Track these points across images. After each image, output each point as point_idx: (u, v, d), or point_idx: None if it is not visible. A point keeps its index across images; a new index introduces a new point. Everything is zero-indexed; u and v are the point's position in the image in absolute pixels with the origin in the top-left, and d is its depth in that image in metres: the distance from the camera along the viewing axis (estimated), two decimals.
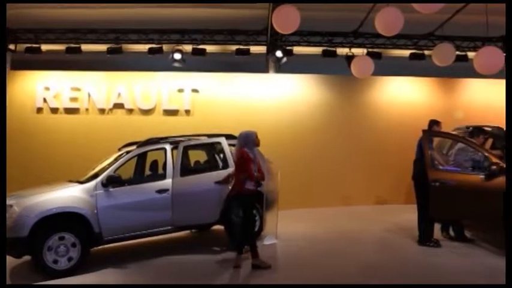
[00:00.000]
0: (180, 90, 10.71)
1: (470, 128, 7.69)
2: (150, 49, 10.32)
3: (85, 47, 10.43)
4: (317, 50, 10.73)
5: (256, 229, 6.60)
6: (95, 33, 10.40)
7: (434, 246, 6.72)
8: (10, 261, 5.67)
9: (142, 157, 7.21)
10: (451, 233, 7.30)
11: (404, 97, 11.36)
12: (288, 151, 10.01)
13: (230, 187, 6.33)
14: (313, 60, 10.92)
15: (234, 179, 6.06)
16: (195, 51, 10.37)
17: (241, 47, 10.47)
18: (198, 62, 10.60)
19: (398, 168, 8.64)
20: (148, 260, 6.35)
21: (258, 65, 10.85)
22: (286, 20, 7.29)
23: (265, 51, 10.67)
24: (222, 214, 6.62)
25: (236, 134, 7.77)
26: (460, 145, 6.85)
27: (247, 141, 5.95)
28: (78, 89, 10.63)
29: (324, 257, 6.46)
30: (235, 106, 10.67)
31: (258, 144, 6.06)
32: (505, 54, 8.33)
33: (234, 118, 10.18)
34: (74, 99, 10.63)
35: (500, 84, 11.13)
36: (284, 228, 7.47)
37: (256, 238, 6.38)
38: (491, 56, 8.14)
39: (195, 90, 10.74)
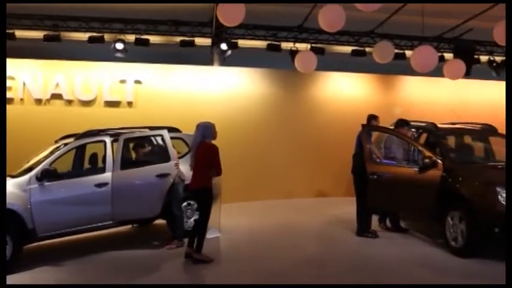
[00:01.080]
0: (122, 81, 10.40)
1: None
2: (90, 38, 9.90)
3: (20, 33, 9.86)
4: (262, 43, 10.75)
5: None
6: (31, 19, 9.84)
7: (371, 237, 6.96)
8: None
9: (80, 150, 6.98)
10: (388, 224, 7.61)
11: (345, 92, 11.66)
12: (231, 144, 9.95)
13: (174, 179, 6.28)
14: (257, 54, 10.94)
15: (195, 172, 5.87)
16: (138, 42, 10.08)
17: (186, 38, 10.30)
18: (141, 53, 10.31)
19: (339, 162, 8.87)
20: (89, 256, 6.16)
21: (202, 57, 10.72)
22: (230, 12, 7.28)
23: (210, 44, 10.56)
24: (164, 208, 6.53)
25: (179, 126, 7.74)
26: (389, 138, 7.14)
27: (207, 133, 5.84)
28: (12, 78, 10.01)
29: (266, 249, 6.54)
30: (179, 98, 10.51)
31: (215, 137, 5.95)
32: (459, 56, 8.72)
33: (177, 111, 10.03)
34: (7, 89, 10.05)
35: (435, 82, 11.75)
36: (227, 222, 7.50)
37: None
38: (427, 54, 8.53)
39: (137, 82, 10.46)
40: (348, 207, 7.91)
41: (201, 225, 5.85)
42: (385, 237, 7.07)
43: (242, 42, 10.68)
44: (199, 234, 5.82)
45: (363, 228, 7.04)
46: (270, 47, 10.62)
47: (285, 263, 5.86)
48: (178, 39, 10.34)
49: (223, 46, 10.12)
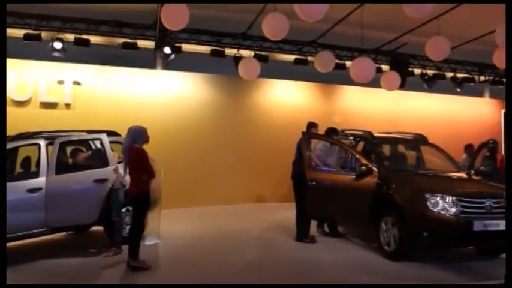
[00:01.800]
0: (60, 82, 9.99)
1: (344, 132, 8.31)
2: (26, 35, 9.47)
3: None
4: (206, 49, 10.75)
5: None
6: None
7: (310, 242, 7.12)
8: None
9: (12, 153, 6.64)
10: (326, 229, 7.81)
11: (287, 100, 11.89)
12: (172, 149, 9.89)
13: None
14: (201, 59, 10.92)
15: (131, 178, 5.76)
16: (78, 41, 9.75)
17: (128, 40, 10.11)
18: (80, 53, 9.98)
19: (280, 168, 8.99)
20: (22, 265, 5.86)
21: (145, 60, 10.56)
22: (174, 16, 7.25)
23: (153, 47, 10.42)
24: (101, 214, 6.35)
25: (119, 130, 7.55)
26: (319, 146, 7.37)
27: (137, 138, 5.73)
28: None
29: (206, 255, 6.52)
30: (120, 101, 10.26)
31: (147, 141, 5.86)
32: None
33: (117, 114, 9.78)
34: None
35: (373, 92, 12.25)
36: (166, 228, 7.40)
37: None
38: (365, 66, 8.89)
39: (76, 83, 10.10)
40: (287, 213, 8.05)
41: (134, 232, 5.75)
42: (323, 242, 7.25)
43: (186, 47, 10.61)
44: (131, 240, 5.71)
45: (302, 234, 7.18)
46: (214, 53, 10.62)
47: (225, 267, 5.88)
48: (120, 40, 10.12)
49: (167, 50, 10.02)
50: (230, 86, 11.31)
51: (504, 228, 5.23)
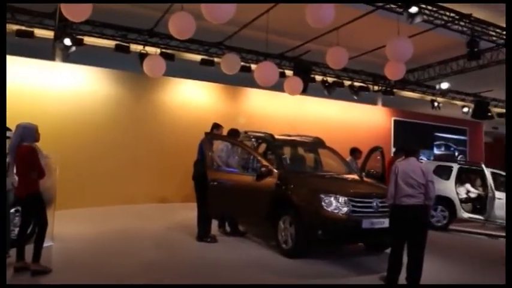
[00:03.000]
0: None
1: (247, 133, 8.50)
2: None
3: None
4: (110, 43, 10.39)
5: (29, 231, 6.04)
6: None
7: (211, 242, 7.16)
8: None
9: None
10: (227, 228, 7.93)
11: (193, 100, 11.89)
12: (69, 146, 9.41)
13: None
14: (105, 54, 10.53)
15: (19, 178, 5.33)
16: None
17: (24, 28, 9.45)
18: None
19: (182, 168, 8.96)
20: None
21: (42, 51, 9.92)
22: (76, 6, 6.89)
23: (52, 37, 9.81)
24: None
25: (10, 124, 7.02)
26: (220, 146, 7.51)
27: (26, 136, 5.34)
28: None
29: (104, 256, 6.29)
30: (13, 94, 9.44)
31: (37, 140, 5.49)
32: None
33: (10, 107, 9.02)
34: None
35: (276, 96, 12.66)
36: (62, 230, 7.03)
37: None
38: (269, 70, 9.18)
39: None
40: (189, 213, 8.04)
41: (39, 233, 5.40)
42: (224, 241, 7.35)
43: (88, 40, 10.18)
44: (37, 242, 5.35)
45: (203, 233, 7.21)
46: (118, 48, 10.30)
47: (123, 269, 5.72)
48: (15, 27, 9.41)
49: (67, 41, 9.49)
50: (134, 83, 11.05)
51: (387, 225, 5.74)
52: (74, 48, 9.68)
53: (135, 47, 10.55)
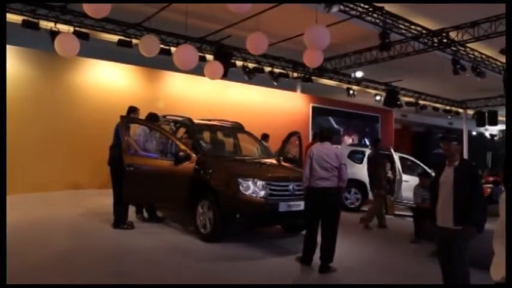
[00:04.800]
0: None
1: (166, 117, 8.35)
2: None
3: None
4: (17, 18, 9.60)
5: None
6: None
7: (128, 228, 7.01)
8: None
9: None
10: (145, 214, 7.79)
11: (109, 82, 11.44)
12: None
13: None
14: (11, 30, 9.71)
15: None
16: None
17: None
18: None
19: (98, 153, 8.60)
20: None
21: None
22: None
23: None
24: None
25: None
26: (138, 130, 7.35)
27: None
28: None
29: (18, 245, 5.88)
30: None
31: None
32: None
33: None
34: None
35: (197, 80, 12.54)
36: None
37: None
38: (188, 53, 9.05)
39: None
40: (104, 199, 7.79)
41: None
42: (142, 227, 7.22)
43: None
44: None
45: (120, 220, 7.02)
46: (25, 24, 9.56)
47: (30, 260, 5.40)
48: None
49: None
50: (45, 62, 10.40)
51: (303, 208, 5.96)
52: None
53: (46, 24, 9.87)
